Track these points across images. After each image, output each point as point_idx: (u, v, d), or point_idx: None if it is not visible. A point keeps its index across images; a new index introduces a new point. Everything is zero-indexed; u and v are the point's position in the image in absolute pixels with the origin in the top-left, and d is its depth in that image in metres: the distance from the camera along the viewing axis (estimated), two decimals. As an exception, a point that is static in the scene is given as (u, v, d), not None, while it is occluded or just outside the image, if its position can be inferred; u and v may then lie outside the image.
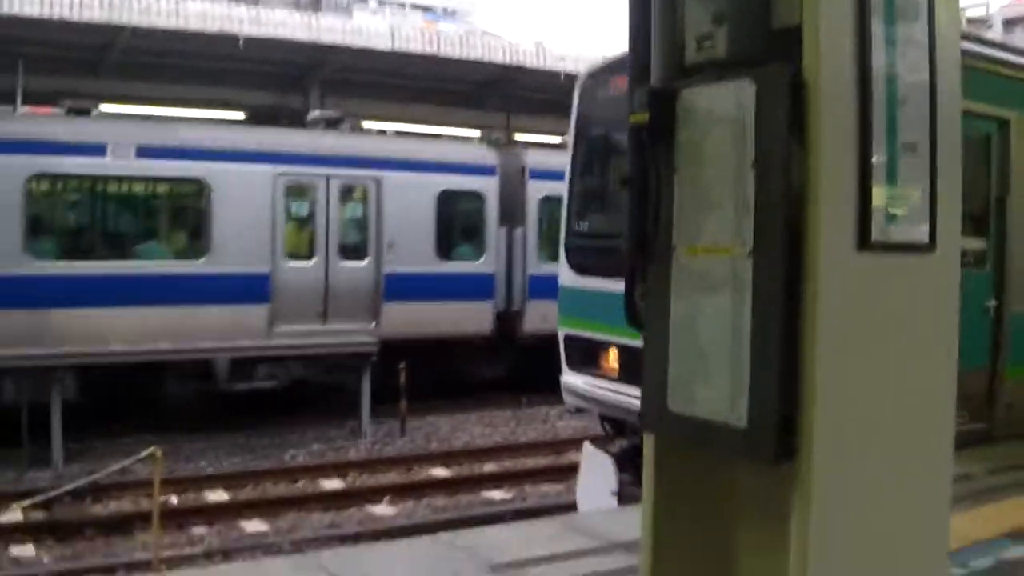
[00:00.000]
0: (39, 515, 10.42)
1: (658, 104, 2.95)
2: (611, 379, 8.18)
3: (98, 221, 15.44)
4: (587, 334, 8.56)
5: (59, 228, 15.04)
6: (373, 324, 16.14)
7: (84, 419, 13.17)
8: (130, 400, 14.31)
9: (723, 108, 2.88)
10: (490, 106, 20.49)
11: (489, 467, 13.25)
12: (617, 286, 7.79)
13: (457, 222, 17.73)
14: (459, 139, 19.07)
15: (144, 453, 9.20)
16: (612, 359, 8.20)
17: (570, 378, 8.82)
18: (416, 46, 17.60)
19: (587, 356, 8.58)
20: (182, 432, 13.93)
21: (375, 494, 11.76)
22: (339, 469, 12.80)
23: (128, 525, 10.31)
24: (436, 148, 18.16)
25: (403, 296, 16.16)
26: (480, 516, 10.62)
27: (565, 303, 9.07)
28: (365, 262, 16.37)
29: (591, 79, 9.04)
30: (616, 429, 8.68)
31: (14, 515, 10.00)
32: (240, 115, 18.05)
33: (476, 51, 18.59)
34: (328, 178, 16.00)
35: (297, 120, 18.13)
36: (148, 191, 15.50)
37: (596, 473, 8.24)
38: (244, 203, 15.19)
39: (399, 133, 18.99)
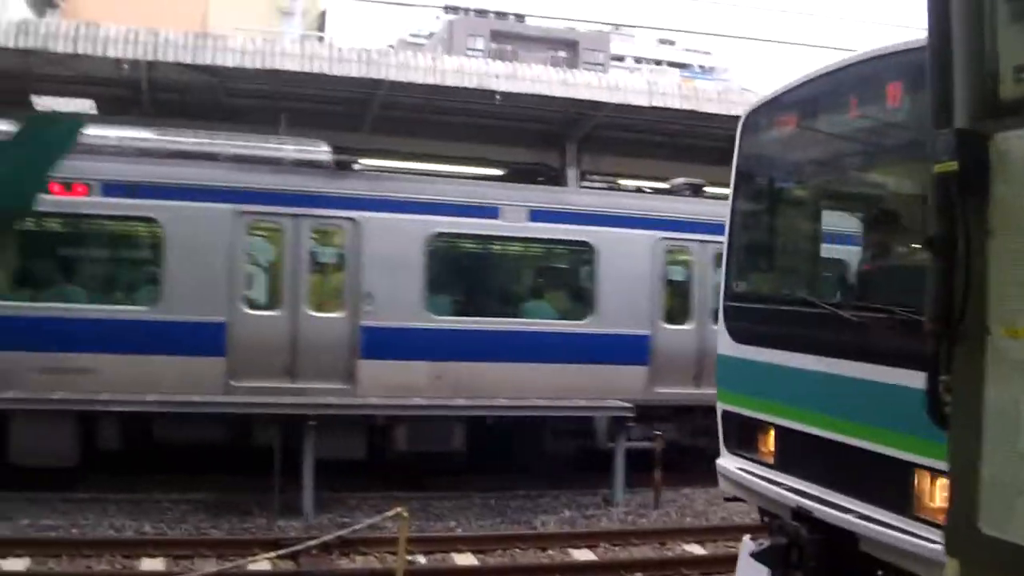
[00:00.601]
0: (287, 565, 10.56)
1: (967, 150, 2.37)
2: (766, 465, 7.24)
3: (490, 280, 16.54)
4: (744, 412, 7.65)
5: (455, 285, 15.94)
6: None
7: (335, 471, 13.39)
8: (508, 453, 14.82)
9: (1051, 154, 2.27)
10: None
11: (748, 547, 12.43)
12: (779, 357, 7.00)
13: None
14: None
15: (391, 512, 9.15)
16: (768, 442, 7.26)
17: (725, 461, 7.86)
18: (673, 102, 17.17)
19: (743, 437, 7.64)
20: (433, 489, 14.00)
21: (626, 568, 11.21)
22: (590, 539, 12.33)
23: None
24: None
25: None
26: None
27: (723, 375, 8.14)
28: None
29: (754, 118, 8.11)
30: (771, 523, 7.42)
31: (263, 564, 10.16)
32: (496, 171, 18.24)
33: (735, 107, 17.98)
34: (702, 243, 16.08)
35: (554, 179, 18.08)
36: (537, 252, 16.54)
37: (748, 573, 7.29)
38: (626, 267, 15.69)
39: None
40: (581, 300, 16.05)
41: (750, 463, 7.46)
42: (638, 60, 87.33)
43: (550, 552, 11.88)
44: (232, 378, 13.85)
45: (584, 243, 15.76)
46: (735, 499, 8.01)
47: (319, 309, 14.55)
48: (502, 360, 14.89)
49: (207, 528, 12.12)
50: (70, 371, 13.13)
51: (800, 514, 6.39)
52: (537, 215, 15.48)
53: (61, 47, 14.08)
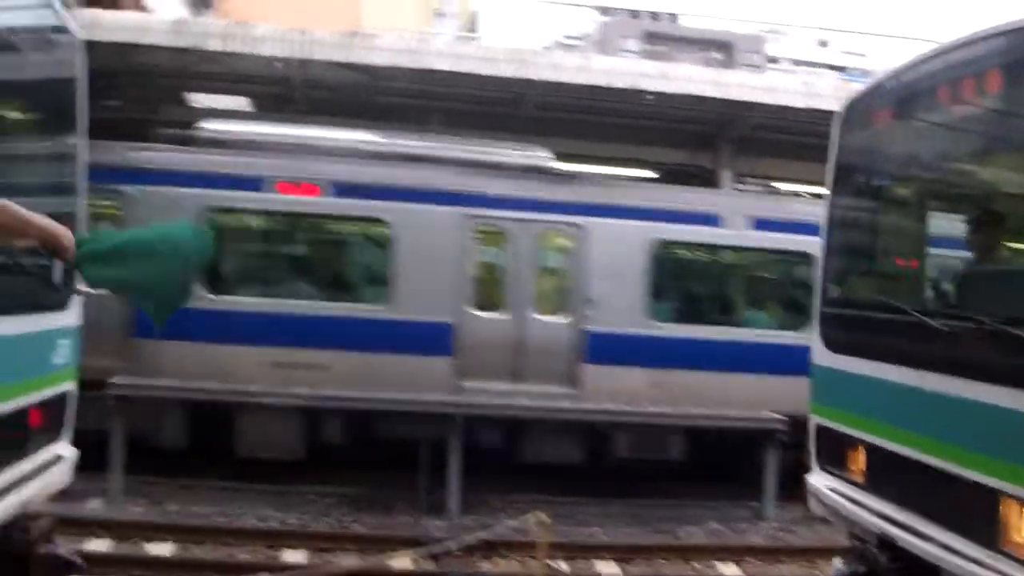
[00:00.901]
0: (429, 565, 10.56)
1: None
2: (855, 485, 6.69)
3: (710, 288, 16.43)
4: (836, 426, 7.07)
5: (676, 293, 15.88)
6: None
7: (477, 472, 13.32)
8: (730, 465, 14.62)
9: None
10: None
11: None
12: (873, 369, 6.42)
13: None
14: None
15: (532, 516, 9.03)
16: (858, 460, 6.70)
17: (816, 479, 7.31)
18: (830, 104, 16.58)
19: (834, 454, 7.07)
20: (578, 494, 13.80)
21: (772, 587, 10.87)
22: (736, 553, 11.93)
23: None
24: None
25: None
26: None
27: (817, 386, 7.58)
28: None
29: (853, 110, 7.48)
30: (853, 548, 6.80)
31: (404, 562, 10.30)
32: (649, 173, 17.99)
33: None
34: None
35: (708, 181, 17.68)
36: (758, 261, 16.32)
37: None
38: None
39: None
40: (800, 311, 15.50)
41: (840, 482, 6.98)
42: (797, 63, 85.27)
43: (695, 564, 11.56)
44: (460, 378, 14.06)
45: (805, 253, 15.04)
46: (826, 520, 7.53)
47: (544, 312, 14.68)
48: (721, 370, 14.68)
49: (350, 523, 12.24)
50: (302, 367, 13.50)
51: (886, 541, 5.94)
52: (760, 224, 15.29)
53: (214, 46, 14.48)
